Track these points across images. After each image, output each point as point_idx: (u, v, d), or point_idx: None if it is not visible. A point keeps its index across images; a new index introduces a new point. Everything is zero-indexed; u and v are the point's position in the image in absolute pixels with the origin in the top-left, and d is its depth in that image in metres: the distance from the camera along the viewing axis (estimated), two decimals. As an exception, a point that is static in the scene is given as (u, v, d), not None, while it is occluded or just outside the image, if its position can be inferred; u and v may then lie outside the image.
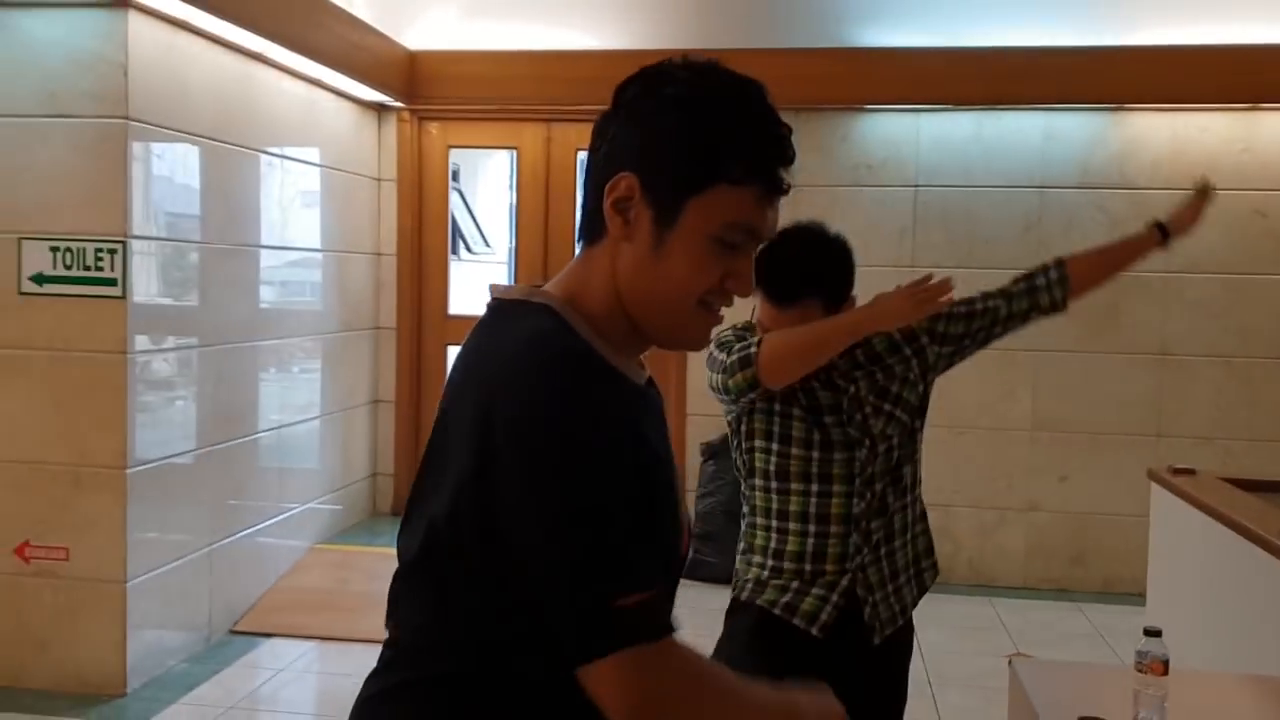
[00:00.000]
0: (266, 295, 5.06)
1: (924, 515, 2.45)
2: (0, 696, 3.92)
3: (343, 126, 5.81)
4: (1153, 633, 1.96)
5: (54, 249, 3.94)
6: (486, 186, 8.43)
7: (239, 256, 4.75)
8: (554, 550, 1.11)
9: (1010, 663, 2.47)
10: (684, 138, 1.20)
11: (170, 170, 4.24)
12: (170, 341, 4.27)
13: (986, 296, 2.42)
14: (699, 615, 4.96)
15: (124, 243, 3.92)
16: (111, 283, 3.92)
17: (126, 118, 3.91)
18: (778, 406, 2.30)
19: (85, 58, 3.90)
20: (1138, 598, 2.59)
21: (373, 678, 1.32)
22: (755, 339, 2.28)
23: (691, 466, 5.83)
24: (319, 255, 5.61)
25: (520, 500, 1.13)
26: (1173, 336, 5.58)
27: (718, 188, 1.20)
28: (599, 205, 1.24)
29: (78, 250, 3.93)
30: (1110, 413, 5.54)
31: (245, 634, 4.66)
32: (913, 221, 5.71)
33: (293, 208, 5.30)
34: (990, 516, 5.66)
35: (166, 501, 4.22)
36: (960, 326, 2.39)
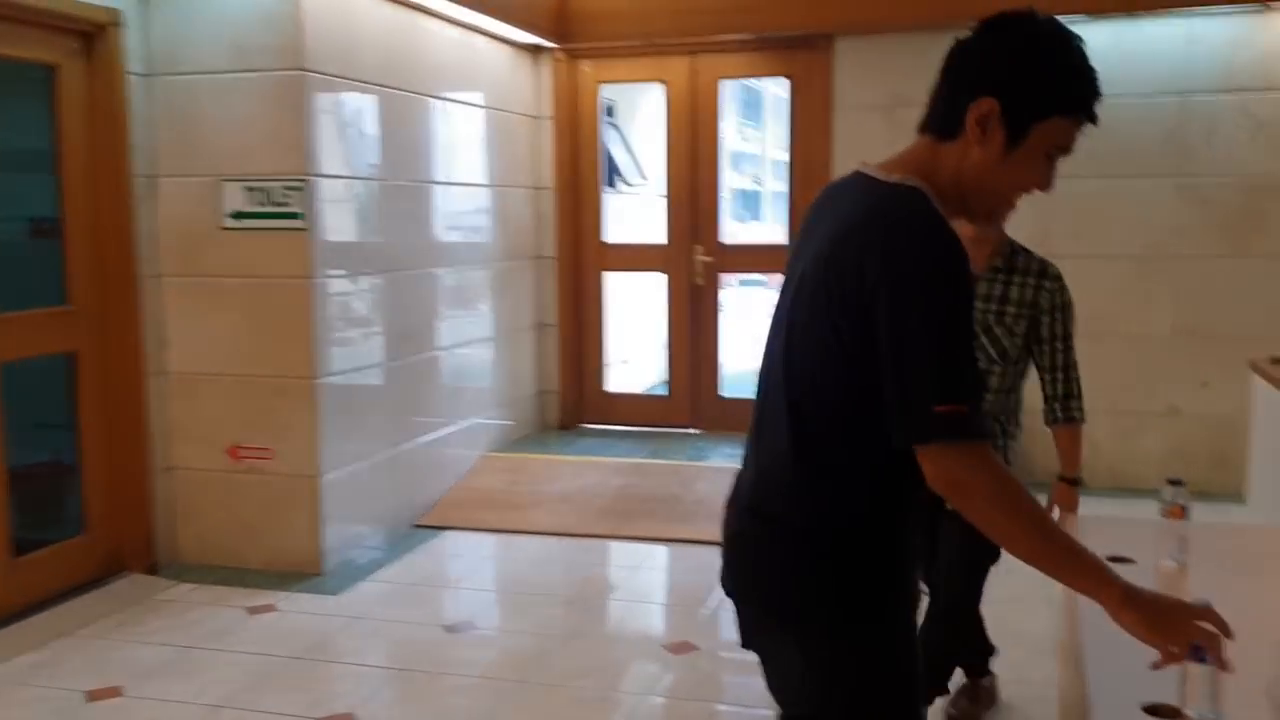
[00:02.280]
0: (438, 228, 5.57)
1: (1010, 435, 2.94)
2: (223, 574, 4.60)
3: (501, 69, 6.25)
4: (1175, 482, 2.17)
5: (248, 189, 4.52)
6: (644, 121, 8.76)
7: (411, 193, 5.26)
8: (904, 360, 1.52)
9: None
10: (1043, 75, 1.60)
11: (345, 115, 4.75)
12: (352, 269, 4.81)
13: (1059, 369, 2.89)
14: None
15: (306, 181, 4.46)
16: (296, 216, 4.48)
17: (303, 69, 4.44)
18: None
19: (265, 15, 4.43)
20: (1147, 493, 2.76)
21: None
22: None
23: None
24: (484, 190, 6.08)
25: (890, 320, 1.53)
26: (1324, 239, 5.45)
27: (1055, 117, 1.61)
28: (958, 112, 1.61)
29: (267, 189, 4.50)
30: (1254, 317, 5.47)
31: (427, 527, 5.24)
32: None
33: (459, 147, 5.77)
34: (1129, 421, 5.70)
35: (353, 410, 4.79)
36: (1045, 356, 2.89)
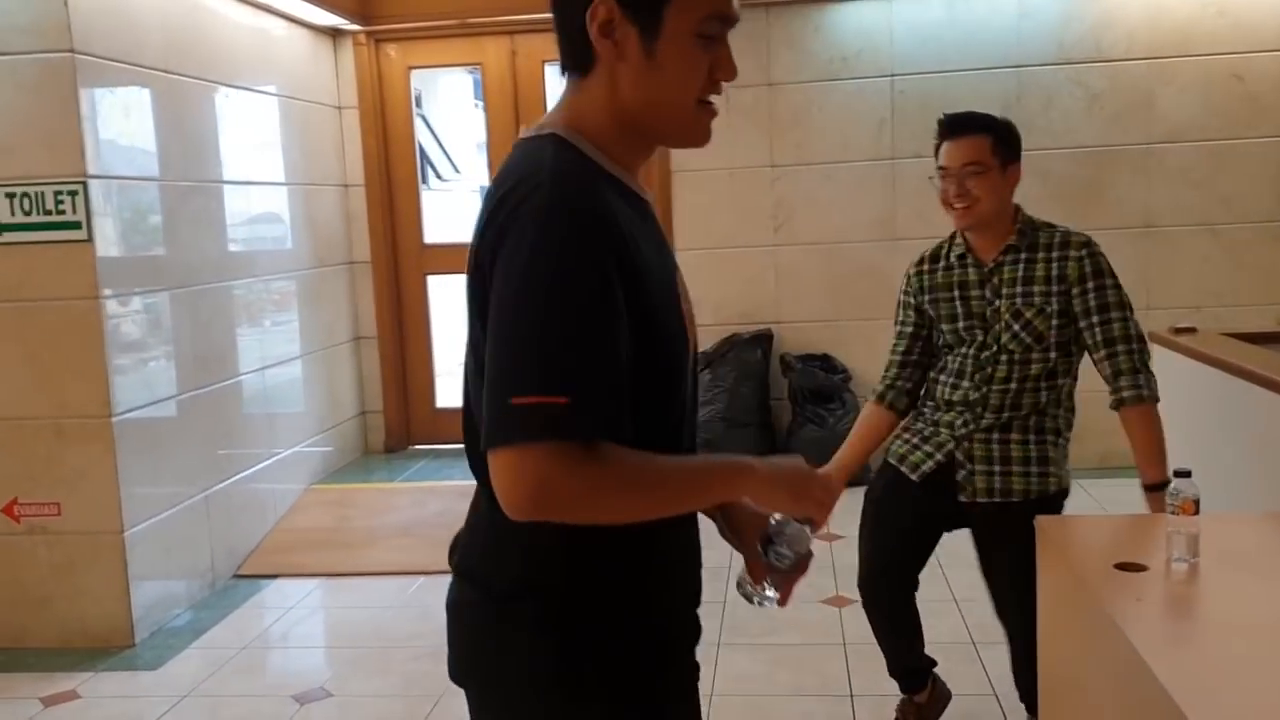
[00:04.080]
0: (234, 234, 4.90)
1: (1056, 431, 2.70)
2: (4, 658, 3.85)
3: (298, 54, 5.62)
4: (1182, 473, 1.93)
5: (10, 194, 3.78)
6: (449, 111, 8.22)
7: (202, 194, 4.59)
8: (492, 348, 1.21)
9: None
10: None
11: (123, 106, 4.06)
12: (140, 285, 4.13)
13: (1108, 343, 2.61)
14: (704, 519, 4.98)
15: (83, 183, 3.76)
16: (76, 226, 3.77)
17: (72, 50, 3.74)
18: (944, 325, 2.76)
19: (23, -9, 3.71)
20: (1133, 470, 2.59)
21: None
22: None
23: (684, 377, 5.77)
24: (285, 189, 5.45)
25: (494, 299, 1.23)
26: (1156, 208, 5.52)
27: None
28: (581, 36, 1.31)
29: (37, 194, 3.77)
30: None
31: (249, 577, 4.60)
32: (890, 112, 5.59)
33: (254, 142, 5.12)
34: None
35: (155, 450, 4.11)
36: (1088, 334, 2.63)
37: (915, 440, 2.80)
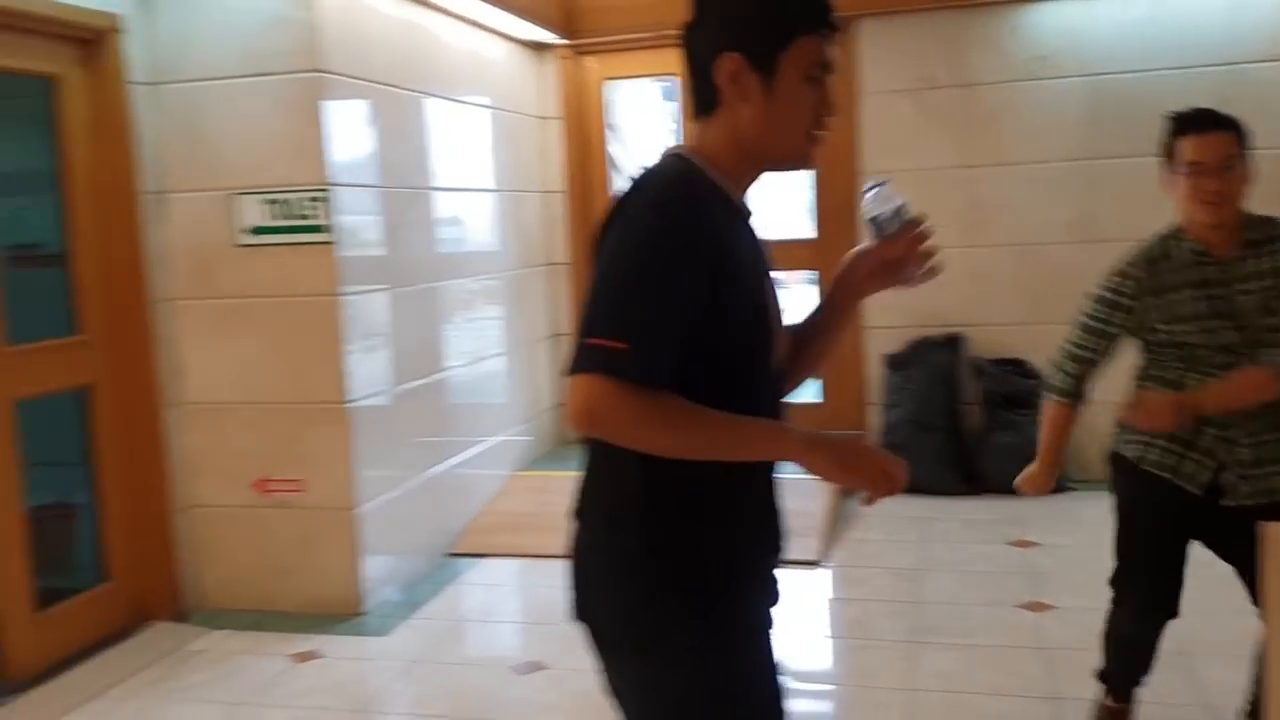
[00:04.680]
0: (451, 236, 5.24)
1: None
2: (255, 618, 4.27)
3: (507, 68, 5.95)
4: None
5: (267, 201, 4.19)
6: (638, 119, 8.49)
7: (425, 200, 4.94)
8: (587, 299, 1.50)
9: None
10: (762, 7, 1.59)
11: (361, 119, 4.43)
12: (373, 282, 4.48)
13: None
14: (892, 522, 5.05)
15: (328, 190, 4.14)
16: (321, 229, 4.15)
17: (319, 70, 4.12)
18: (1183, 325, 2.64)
19: (276, 16, 4.10)
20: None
21: None
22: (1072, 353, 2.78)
23: (874, 379, 5.84)
24: (497, 195, 5.78)
25: (599, 261, 1.53)
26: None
27: (798, 41, 1.58)
28: (710, 84, 1.60)
29: (288, 201, 4.17)
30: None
31: (461, 555, 4.93)
32: (1090, 113, 5.53)
33: (470, 150, 5.46)
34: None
35: (383, 435, 4.47)
36: None
37: (1177, 448, 2.67)
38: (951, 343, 5.68)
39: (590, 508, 1.63)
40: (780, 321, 1.68)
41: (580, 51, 6.33)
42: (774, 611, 1.73)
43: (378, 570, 4.40)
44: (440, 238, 5.14)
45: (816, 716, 3.45)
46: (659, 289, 1.47)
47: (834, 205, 5.92)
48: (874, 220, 1.69)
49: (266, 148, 4.18)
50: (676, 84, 6.50)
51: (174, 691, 3.68)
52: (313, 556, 4.32)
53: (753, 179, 1.66)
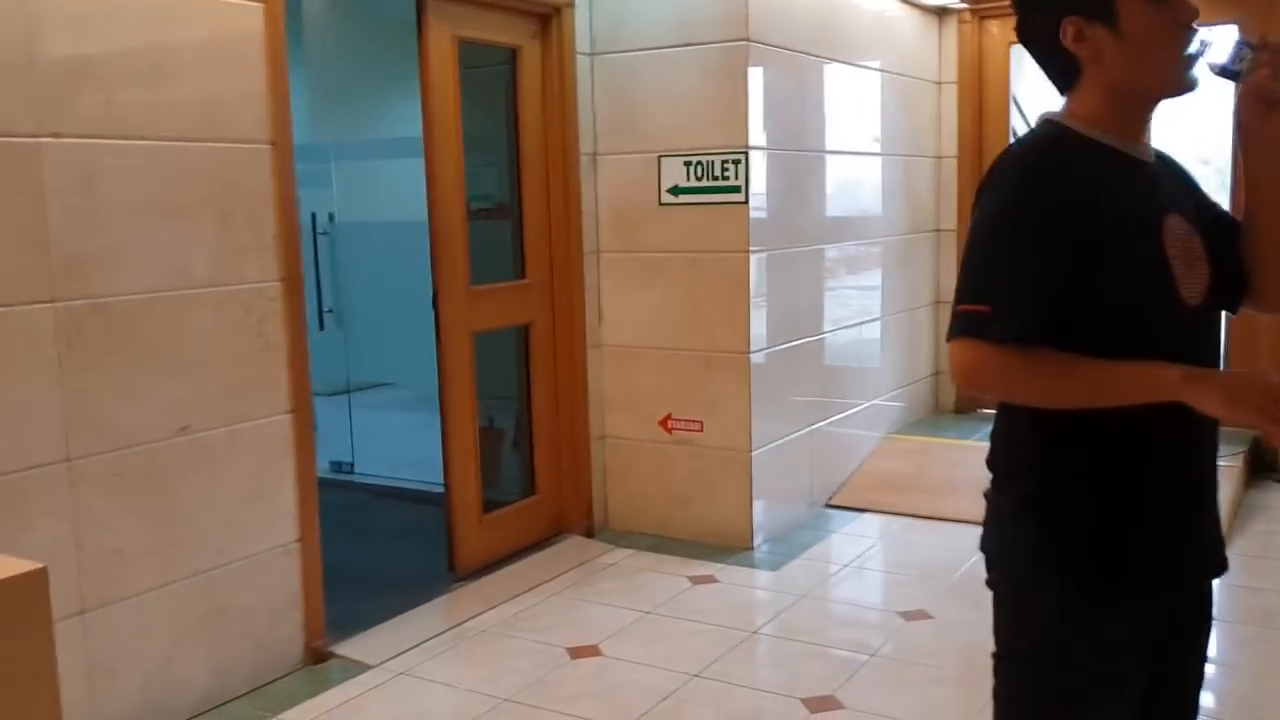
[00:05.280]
0: (847, 199, 5.43)
1: None
2: (653, 541, 4.70)
3: (909, 33, 6.03)
4: None
5: (687, 163, 4.55)
6: (1037, 85, 8.29)
7: (827, 163, 5.15)
8: (960, 270, 1.62)
9: None
10: None
11: (780, 85, 4.69)
12: (776, 243, 4.75)
13: None
14: None
15: (745, 153, 4.44)
16: (736, 190, 4.47)
17: (747, 39, 4.41)
18: None
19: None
20: None
21: None
22: None
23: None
24: (890, 160, 5.89)
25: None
26: None
27: None
28: (1063, 55, 1.62)
29: (708, 163, 4.51)
30: None
31: (840, 507, 5.15)
32: None
33: (871, 116, 5.61)
34: None
35: (776, 387, 4.75)
36: None
37: None
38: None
39: (995, 459, 1.72)
40: (1198, 260, 1.62)
41: (983, 16, 6.29)
42: (1187, 614, 1.69)
43: (765, 511, 4.71)
44: (833, 201, 5.34)
45: (1221, 705, 3.39)
46: (1014, 251, 1.54)
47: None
48: (1223, 73, 1.61)
49: (691, 113, 4.53)
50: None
51: (592, 595, 4.16)
52: (709, 491, 4.69)
53: (1144, 119, 1.65)
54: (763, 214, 4.62)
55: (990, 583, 1.71)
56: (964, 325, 1.56)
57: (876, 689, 3.38)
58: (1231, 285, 1.70)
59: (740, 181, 4.46)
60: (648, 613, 3.98)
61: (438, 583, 4.23)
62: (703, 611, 3.98)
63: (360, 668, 3.52)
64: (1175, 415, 1.48)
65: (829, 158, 5.23)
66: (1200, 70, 1.61)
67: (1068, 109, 1.65)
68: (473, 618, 3.93)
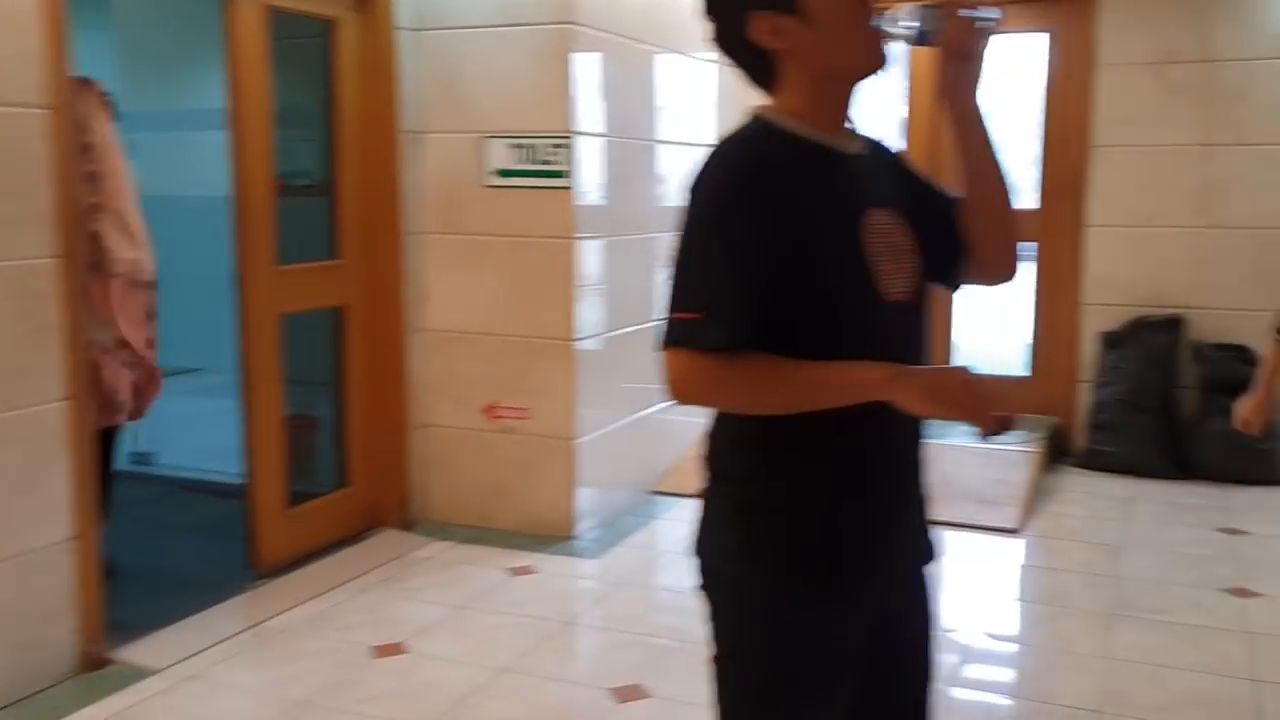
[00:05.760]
0: (668, 189, 5.42)
1: None
2: (474, 533, 4.60)
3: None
4: None
5: (514, 146, 4.45)
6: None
7: (651, 152, 5.13)
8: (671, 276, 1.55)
9: None
10: None
11: (605, 71, 4.62)
12: (600, 230, 4.69)
13: None
14: (1096, 500, 5.01)
15: (571, 138, 4.37)
16: (561, 174, 4.39)
17: (573, 22, 4.33)
18: None
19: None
20: None
21: None
22: None
23: (1087, 356, 5.75)
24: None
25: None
26: None
27: None
28: (755, 53, 1.58)
29: (533, 146, 4.42)
30: None
31: (666, 494, 5.15)
32: (1347, 93, 5.25)
33: (695, 106, 5.61)
34: None
35: (602, 374, 4.71)
36: None
37: None
38: (1172, 324, 5.53)
39: (707, 458, 1.67)
40: (902, 253, 1.59)
41: (809, 11, 6.37)
42: (903, 583, 1.70)
43: (589, 499, 4.66)
44: (659, 190, 5.32)
45: (1010, 675, 3.52)
46: (721, 253, 1.49)
47: (1060, 177, 5.81)
48: (917, 40, 1.59)
49: (516, 94, 4.43)
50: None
51: (403, 591, 4.04)
52: (532, 480, 4.62)
53: (845, 106, 1.61)
54: (590, 200, 4.56)
55: (702, 587, 1.66)
56: (675, 334, 1.50)
57: (685, 676, 3.35)
58: (949, 265, 1.69)
59: (566, 166, 4.39)
60: (460, 607, 3.88)
61: (237, 581, 4.03)
62: (518, 603, 3.91)
63: (142, 673, 3.31)
64: (882, 413, 1.48)
65: (660, 147, 5.20)
66: (895, 45, 1.59)
67: (773, 104, 1.61)
68: (272, 617, 3.76)
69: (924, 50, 1.62)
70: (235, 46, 3.88)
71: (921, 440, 1.68)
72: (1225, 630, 3.66)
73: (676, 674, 3.37)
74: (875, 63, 1.59)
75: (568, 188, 4.40)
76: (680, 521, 4.84)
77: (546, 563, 4.31)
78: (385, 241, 4.50)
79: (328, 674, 3.35)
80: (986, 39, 1.59)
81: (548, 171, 4.40)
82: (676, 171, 5.43)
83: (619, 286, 4.87)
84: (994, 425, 1.42)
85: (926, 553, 1.73)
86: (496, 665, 3.41)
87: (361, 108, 4.42)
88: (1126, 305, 5.66)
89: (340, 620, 3.76)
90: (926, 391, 1.44)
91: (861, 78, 1.61)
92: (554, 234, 4.45)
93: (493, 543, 4.51)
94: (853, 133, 1.65)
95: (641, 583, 4.15)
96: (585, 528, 4.62)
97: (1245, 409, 2.90)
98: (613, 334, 4.81)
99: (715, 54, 1.64)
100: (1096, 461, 5.52)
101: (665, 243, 5.29)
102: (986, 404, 1.43)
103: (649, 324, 5.14)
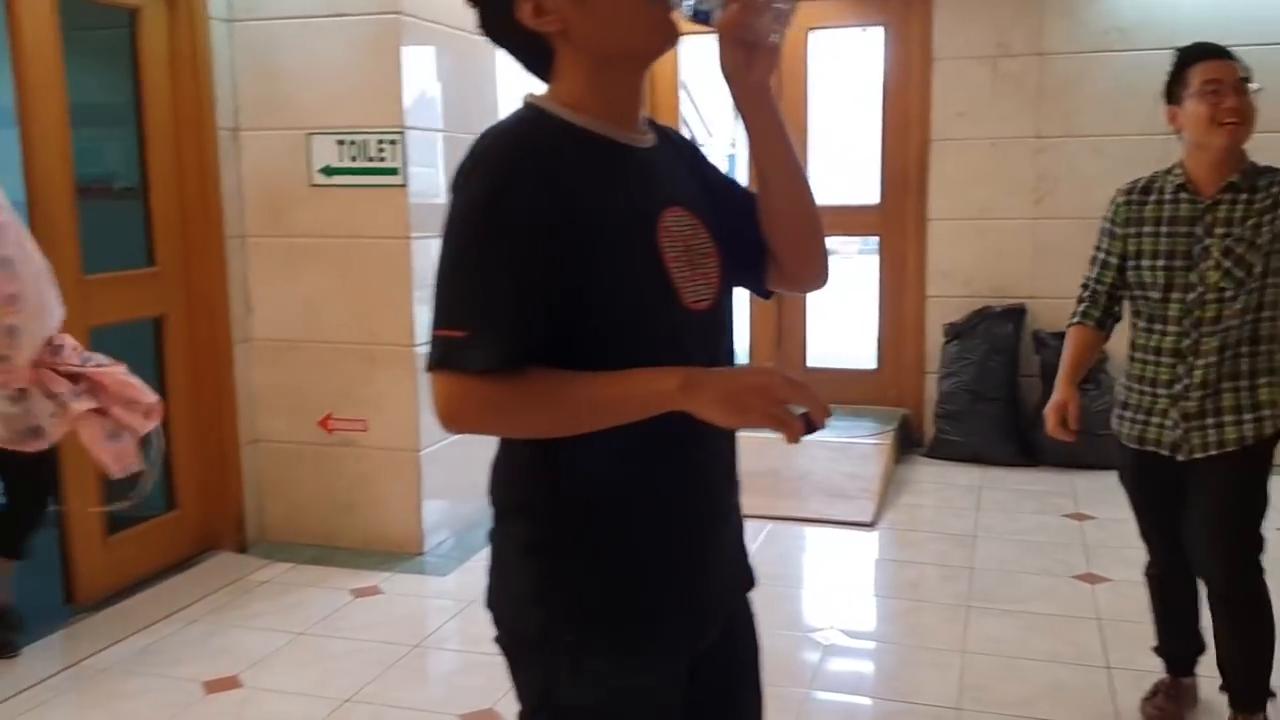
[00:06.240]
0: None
1: (1270, 370, 2.65)
2: (315, 553, 4.34)
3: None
4: None
5: (340, 142, 4.21)
6: (706, 77, 8.45)
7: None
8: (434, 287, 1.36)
9: None
10: None
11: (434, 63, 4.42)
12: (435, 230, 4.48)
13: None
14: (947, 489, 5.05)
15: (402, 134, 4.15)
16: (393, 172, 4.17)
17: (399, 12, 4.11)
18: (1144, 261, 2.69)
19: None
20: None
21: None
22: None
23: (934, 347, 5.81)
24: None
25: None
26: None
27: None
28: (526, 36, 1.39)
29: (362, 143, 4.19)
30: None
31: (516, 503, 4.97)
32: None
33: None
34: None
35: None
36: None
37: (1140, 415, 2.74)
38: (1013, 314, 5.63)
39: (492, 491, 1.50)
40: (703, 257, 1.43)
41: (649, 6, 6.29)
42: (714, 627, 1.51)
43: (436, 512, 4.45)
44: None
45: (870, 674, 3.47)
46: (488, 261, 1.31)
47: (901, 171, 5.87)
48: (695, 16, 1.38)
49: (342, 89, 4.19)
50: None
51: (239, 619, 3.76)
52: (375, 495, 4.38)
53: (633, 93, 1.42)
54: (423, 199, 4.35)
55: (498, 641, 1.47)
56: (438, 355, 1.32)
57: (543, 697, 3.22)
58: (754, 269, 1.54)
59: (397, 163, 4.17)
60: (300, 634, 3.63)
61: (52, 618, 3.69)
62: (363, 627, 3.68)
63: (-64, 728, 2.99)
64: (684, 432, 1.32)
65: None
66: (676, 20, 1.38)
67: (551, 92, 1.43)
68: (91, 655, 3.44)
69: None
70: (20, 36, 3.52)
71: (734, 451, 1.53)
72: (1076, 618, 3.69)
73: (530, 693, 3.20)
74: (660, 40, 1.39)
75: (401, 185, 4.18)
76: (533, 531, 4.67)
77: (392, 582, 4.09)
78: (205, 246, 4.20)
79: (152, 715, 3.07)
80: (780, 26, 1.35)
81: (378, 169, 4.18)
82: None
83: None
84: (800, 429, 1.26)
85: (746, 579, 1.59)
86: (338, 695, 3.19)
87: (172, 104, 4.11)
88: (969, 296, 5.75)
89: (167, 655, 3.47)
90: (724, 398, 1.27)
91: (646, 59, 1.42)
92: (388, 234, 4.22)
93: (337, 562, 4.26)
94: (643, 123, 1.45)
95: (493, 597, 3.96)
96: (434, 543, 4.41)
97: (1051, 404, 2.81)
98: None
99: (488, 42, 1.45)
100: (944, 451, 5.59)
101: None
102: (788, 406, 1.26)
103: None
